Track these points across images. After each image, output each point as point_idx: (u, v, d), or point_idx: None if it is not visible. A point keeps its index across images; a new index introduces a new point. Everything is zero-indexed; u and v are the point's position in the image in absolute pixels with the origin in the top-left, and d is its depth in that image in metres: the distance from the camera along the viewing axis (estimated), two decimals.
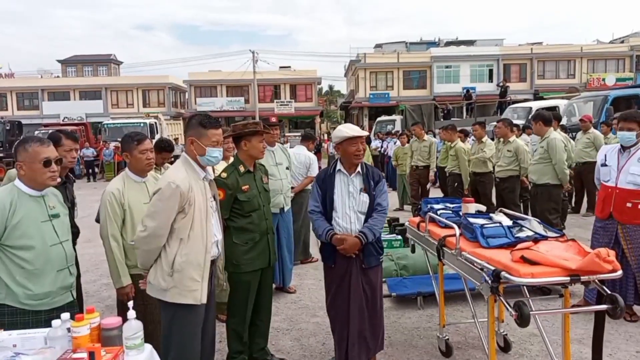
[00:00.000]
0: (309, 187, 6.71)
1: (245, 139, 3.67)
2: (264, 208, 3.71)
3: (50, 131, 5.30)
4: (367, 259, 3.40)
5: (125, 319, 2.24)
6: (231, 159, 4.64)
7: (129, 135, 3.50)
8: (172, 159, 4.71)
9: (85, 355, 1.99)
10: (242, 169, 3.64)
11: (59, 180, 2.83)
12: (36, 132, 23.19)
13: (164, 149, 4.48)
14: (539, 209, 5.96)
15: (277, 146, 5.62)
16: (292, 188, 5.98)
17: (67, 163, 3.48)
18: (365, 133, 3.48)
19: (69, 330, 2.17)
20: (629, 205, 4.28)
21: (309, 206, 3.57)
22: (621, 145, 4.43)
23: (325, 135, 30.96)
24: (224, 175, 3.57)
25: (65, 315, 2.25)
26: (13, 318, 2.57)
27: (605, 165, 4.52)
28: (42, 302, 2.63)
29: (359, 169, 3.48)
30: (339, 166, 3.51)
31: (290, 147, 7.10)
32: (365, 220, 3.41)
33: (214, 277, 3.17)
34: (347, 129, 3.44)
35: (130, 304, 2.32)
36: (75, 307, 2.83)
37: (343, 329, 3.43)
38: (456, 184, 8.40)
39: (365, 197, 3.42)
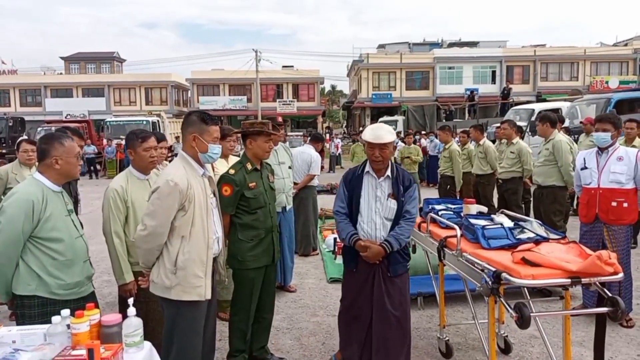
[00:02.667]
0: (311, 184, 6.90)
1: (251, 137, 3.71)
2: (270, 206, 3.73)
3: (53, 128, 5.32)
4: (392, 267, 3.23)
5: (125, 316, 2.25)
6: (231, 157, 4.71)
7: (133, 132, 3.52)
8: (171, 157, 4.73)
9: (84, 352, 1.98)
10: (249, 166, 3.67)
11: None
12: (39, 129, 23.26)
13: (159, 140, 4.43)
14: (544, 210, 5.95)
15: (280, 145, 5.67)
16: (295, 184, 6.14)
17: None
18: (387, 139, 3.21)
19: (68, 326, 2.17)
20: (614, 204, 4.35)
21: (334, 206, 3.45)
22: (598, 147, 4.53)
23: (327, 135, 30.96)
24: (232, 171, 3.60)
25: (65, 312, 2.25)
26: (43, 309, 2.67)
27: (586, 168, 4.59)
28: (72, 292, 2.77)
29: (388, 172, 3.28)
30: (367, 167, 3.32)
31: (292, 147, 7.26)
32: (392, 227, 3.24)
33: (216, 273, 3.17)
34: (368, 133, 3.27)
35: (131, 301, 2.32)
36: (96, 298, 2.95)
37: (362, 333, 3.30)
38: (448, 186, 8.41)
39: (392, 204, 3.23)
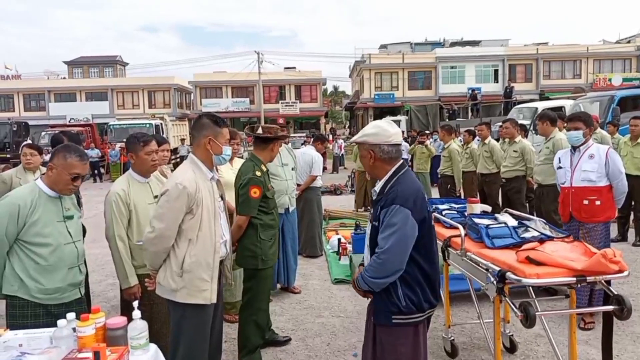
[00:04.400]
0: (314, 185, 6.95)
1: (276, 141, 3.95)
2: (276, 205, 3.99)
3: (53, 132, 5.37)
4: (376, 313, 2.54)
5: (130, 319, 2.25)
6: (235, 160, 4.74)
7: (134, 136, 3.49)
8: (179, 159, 4.77)
9: (90, 354, 1.99)
10: (264, 168, 3.87)
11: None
12: (42, 134, 23.37)
13: (160, 143, 4.48)
14: (545, 209, 5.93)
15: (284, 147, 5.67)
16: (298, 185, 6.19)
17: None
18: (361, 139, 2.59)
19: (74, 330, 2.18)
20: (585, 202, 4.34)
21: None
22: (572, 146, 4.53)
23: (330, 135, 30.97)
24: (259, 174, 3.74)
25: (71, 315, 2.26)
26: (24, 310, 2.71)
27: (561, 167, 4.61)
28: (52, 297, 2.76)
29: (378, 186, 2.61)
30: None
31: (295, 148, 7.30)
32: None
33: (222, 276, 3.18)
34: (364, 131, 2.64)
35: (136, 303, 2.34)
36: (84, 304, 2.95)
37: None
38: (449, 185, 8.39)
39: (370, 228, 2.60)
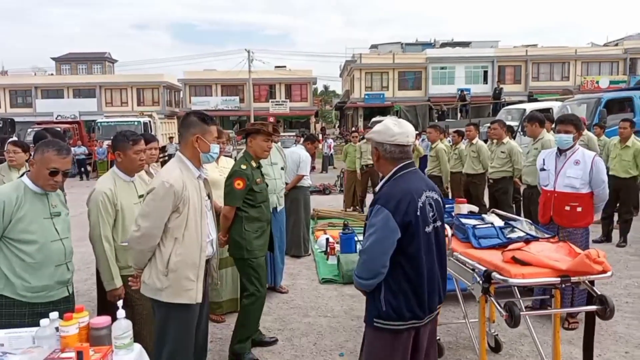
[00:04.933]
0: (302, 184, 6.95)
1: (251, 136, 4.05)
2: (268, 200, 4.12)
3: (36, 129, 5.31)
4: (366, 311, 2.53)
5: (114, 319, 2.23)
6: (221, 158, 4.78)
7: (123, 134, 3.43)
8: (167, 158, 4.81)
9: (73, 354, 1.97)
10: (253, 163, 4.00)
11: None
12: (29, 130, 23.07)
13: (149, 141, 4.42)
14: (533, 210, 5.96)
15: (273, 146, 5.65)
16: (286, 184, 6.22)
17: None
18: (369, 135, 2.62)
19: (57, 329, 2.16)
20: (567, 208, 4.30)
21: None
22: (558, 149, 4.48)
23: (320, 135, 30.96)
24: (244, 167, 3.90)
25: (54, 315, 2.24)
26: (10, 309, 2.66)
27: (544, 169, 4.56)
28: (39, 295, 2.71)
29: (379, 185, 2.60)
30: None
31: (285, 147, 7.30)
32: None
33: (209, 276, 3.16)
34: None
35: (120, 303, 2.32)
36: (71, 302, 2.89)
37: None
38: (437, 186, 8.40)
39: (364, 227, 2.58)
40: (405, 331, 2.41)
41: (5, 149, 5.00)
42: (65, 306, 2.76)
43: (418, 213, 2.35)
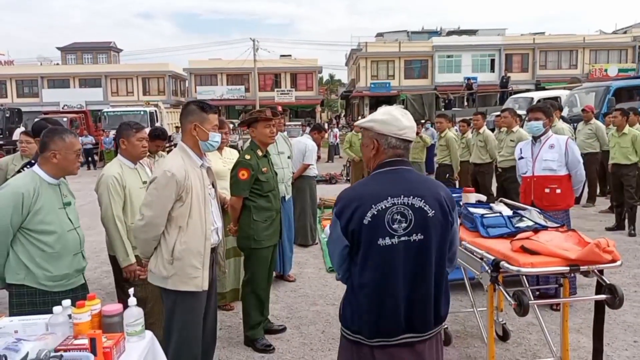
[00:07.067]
0: (308, 173, 6.94)
1: (252, 126, 4.04)
2: (277, 189, 4.11)
3: (36, 120, 5.33)
4: None
5: (125, 306, 2.26)
6: (225, 149, 4.79)
7: (127, 123, 3.70)
8: (169, 147, 4.91)
9: (86, 341, 2.00)
10: (259, 152, 3.99)
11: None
12: (35, 120, 23.14)
13: (158, 137, 4.76)
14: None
15: (280, 135, 5.66)
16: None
17: None
18: (367, 124, 2.13)
19: (70, 317, 2.18)
20: (547, 190, 4.52)
21: None
22: (532, 137, 4.70)
23: (326, 124, 30.85)
24: (248, 157, 3.90)
25: (67, 302, 2.26)
26: (32, 298, 2.73)
27: (522, 158, 4.76)
28: (60, 284, 2.79)
29: None
30: None
31: (291, 137, 7.30)
32: None
33: (215, 264, 3.18)
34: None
35: (131, 291, 2.34)
36: (87, 290, 2.96)
37: None
38: (447, 174, 8.37)
39: None
40: (365, 347, 2.03)
41: (14, 138, 5.03)
42: (82, 293, 2.82)
43: (365, 222, 1.94)
